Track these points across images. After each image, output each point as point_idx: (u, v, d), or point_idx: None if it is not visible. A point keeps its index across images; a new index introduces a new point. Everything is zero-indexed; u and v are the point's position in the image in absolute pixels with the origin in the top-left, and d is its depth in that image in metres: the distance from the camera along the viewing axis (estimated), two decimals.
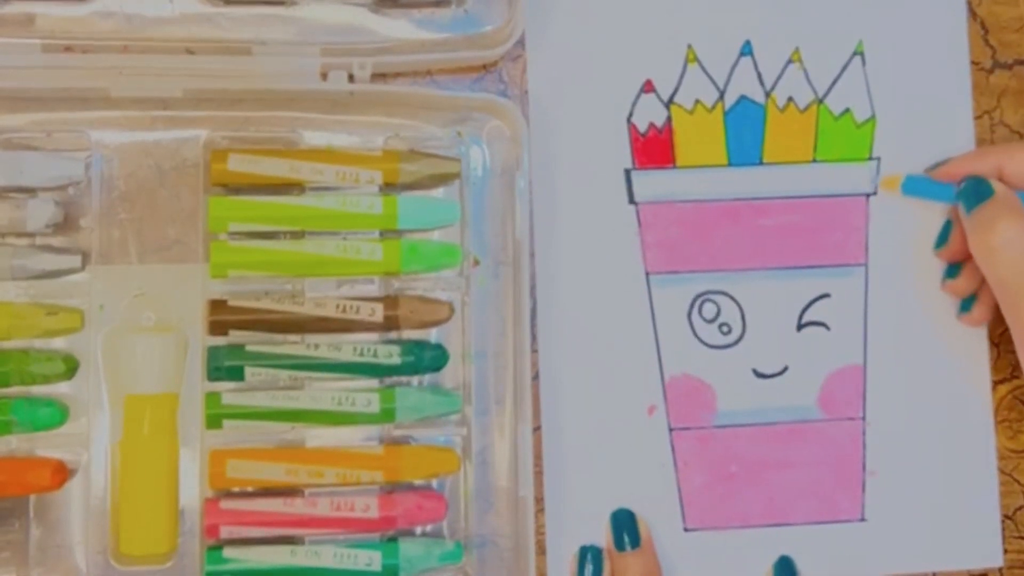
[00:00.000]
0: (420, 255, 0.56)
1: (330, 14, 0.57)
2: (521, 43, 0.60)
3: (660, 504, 0.59)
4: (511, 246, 0.57)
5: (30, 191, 0.55)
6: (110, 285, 0.55)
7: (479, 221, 0.58)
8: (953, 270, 0.59)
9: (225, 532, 0.54)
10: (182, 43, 0.57)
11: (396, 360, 0.56)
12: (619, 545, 0.57)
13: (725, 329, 0.60)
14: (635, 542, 0.57)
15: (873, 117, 0.61)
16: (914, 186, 0.60)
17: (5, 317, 0.54)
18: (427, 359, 0.56)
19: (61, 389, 0.55)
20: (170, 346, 0.55)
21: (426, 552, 0.55)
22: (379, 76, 0.57)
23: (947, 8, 0.62)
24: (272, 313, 0.55)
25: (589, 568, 0.57)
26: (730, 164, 0.60)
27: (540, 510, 0.58)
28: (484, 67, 0.59)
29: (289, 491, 0.55)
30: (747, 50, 0.61)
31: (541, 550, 0.57)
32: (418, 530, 0.56)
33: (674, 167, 0.60)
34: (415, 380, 0.57)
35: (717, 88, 0.60)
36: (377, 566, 0.54)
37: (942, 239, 0.60)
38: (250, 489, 0.55)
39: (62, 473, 0.54)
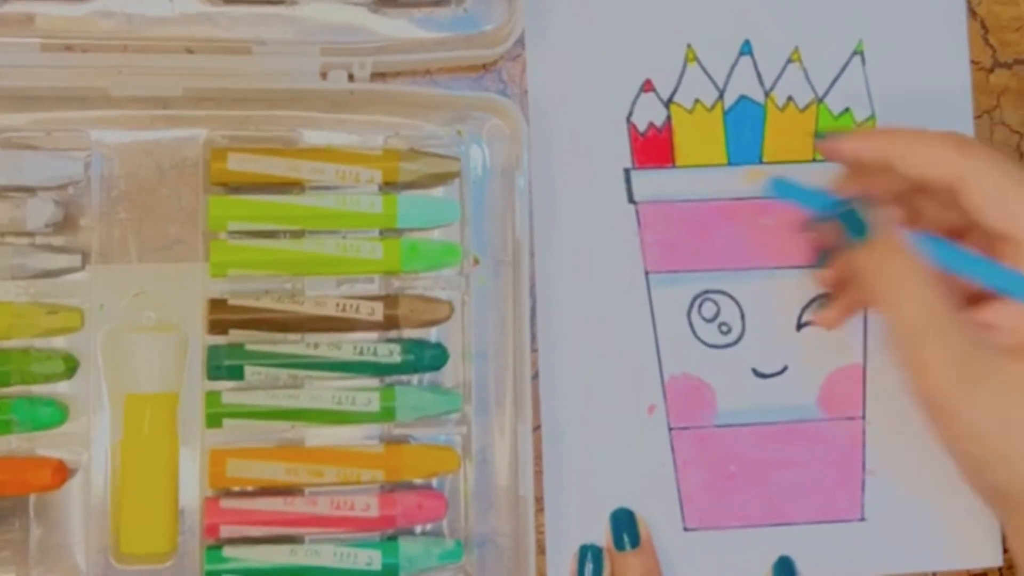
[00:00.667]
0: (420, 254, 0.56)
1: (330, 13, 0.57)
2: (521, 42, 0.60)
3: (659, 503, 0.59)
4: (511, 245, 0.57)
5: (30, 190, 0.55)
6: (110, 284, 0.55)
7: (479, 220, 0.58)
8: (824, 259, 0.56)
9: (225, 531, 0.54)
10: (182, 43, 0.57)
11: (396, 359, 0.56)
12: (619, 545, 0.57)
13: (725, 328, 0.60)
14: (635, 542, 0.57)
15: (873, 116, 0.61)
16: (780, 189, 0.55)
17: (5, 316, 0.54)
18: (427, 358, 0.56)
19: (61, 388, 0.55)
20: (170, 345, 0.55)
21: (426, 551, 0.55)
22: (379, 75, 0.57)
23: (947, 8, 0.62)
24: (272, 312, 0.55)
25: (589, 567, 0.57)
26: (730, 164, 0.60)
27: (540, 509, 0.57)
28: (484, 67, 0.59)
29: (289, 490, 0.55)
30: (747, 50, 0.61)
31: (540, 549, 0.57)
32: (418, 529, 0.56)
33: (673, 166, 0.60)
34: (415, 379, 0.57)
35: (717, 88, 0.60)
36: (377, 565, 0.54)
37: (821, 262, 0.56)
38: (250, 488, 0.55)
39: (62, 473, 0.54)
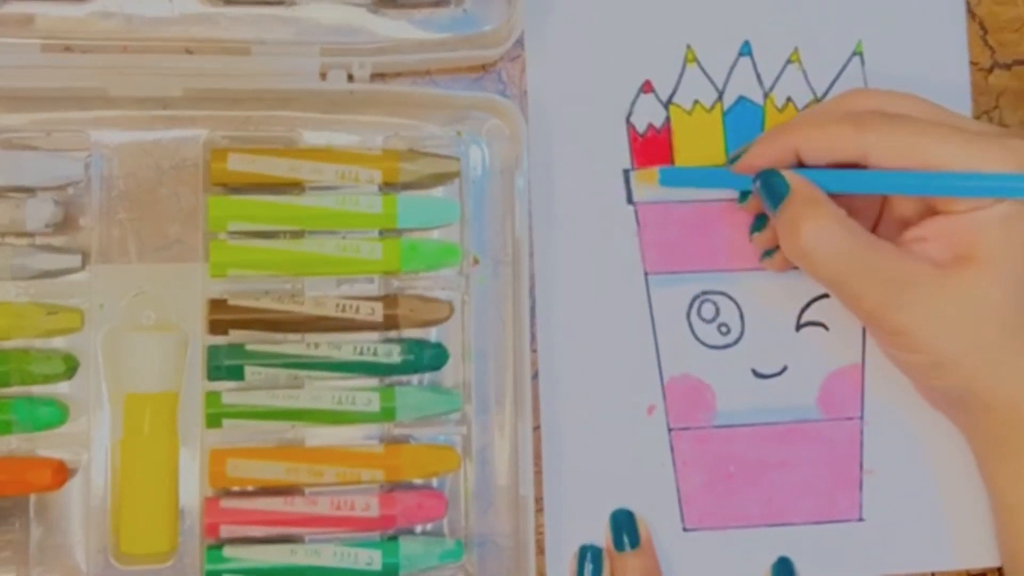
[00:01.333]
0: (420, 254, 0.56)
1: (329, 14, 0.57)
2: (520, 43, 0.60)
3: (659, 504, 0.59)
4: (510, 245, 0.57)
5: (30, 191, 0.55)
6: (110, 284, 0.55)
7: (478, 220, 0.58)
8: (760, 223, 0.58)
9: (225, 531, 0.54)
10: (181, 43, 0.57)
11: (396, 359, 0.56)
12: (619, 545, 0.57)
13: (724, 329, 0.60)
14: (635, 542, 0.57)
15: None
16: (672, 177, 0.58)
17: (5, 317, 0.54)
18: (427, 358, 0.56)
19: (61, 389, 0.55)
20: (170, 345, 0.55)
21: (426, 551, 0.55)
22: (378, 76, 0.57)
23: (946, 8, 0.62)
24: (272, 312, 0.55)
25: (589, 568, 0.57)
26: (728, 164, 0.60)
27: (539, 509, 0.58)
28: (483, 67, 0.60)
29: (289, 490, 0.55)
30: (746, 50, 0.61)
31: (540, 549, 0.57)
32: (418, 529, 0.56)
33: (673, 167, 0.60)
34: (415, 379, 0.57)
35: (716, 88, 0.60)
36: (377, 565, 0.54)
37: (757, 226, 0.58)
38: (250, 488, 0.55)
39: (62, 473, 0.54)
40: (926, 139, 0.52)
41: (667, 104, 0.60)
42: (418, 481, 0.56)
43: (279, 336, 0.56)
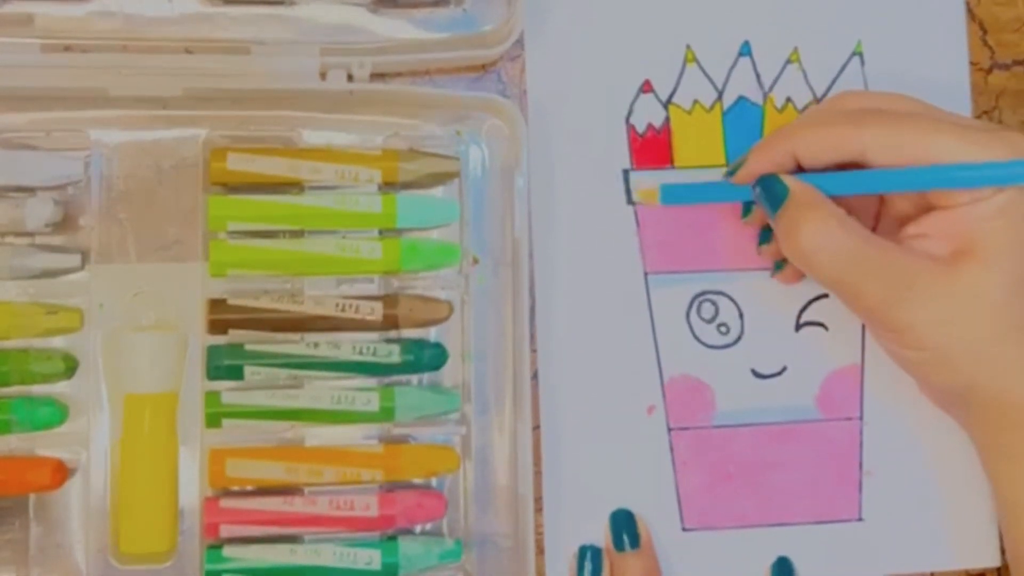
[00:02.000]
0: (419, 254, 0.56)
1: (329, 14, 0.57)
2: (520, 43, 0.60)
3: (658, 504, 0.59)
4: (510, 245, 0.57)
5: (29, 190, 0.55)
6: (110, 284, 0.55)
7: (478, 220, 0.58)
8: (767, 235, 0.58)
9: (225, 531, 0.54)
10: (181, 43, 0.57)
11: (395, 359, 0.56)
12: (618, 545, 0.57)
13: (724, 329, 0.60)
14: (634, 542, 0.57)
15: None
16: (674, 194, 0.57)
17: (5, 316, 0.54)
18: (426, 358, 0.56)
19: (61, 388, 0.55)
20: (170, 345, 0.55)
21: (426, 550, 0.55)
22: (378, 75, 0.57)
23: (946, 9, 0.62)
24: (271, 312, 0.55)
25: (588, 568, 0.57)
26: (728, 164, 0.60)
27: (538, 509, 0.58)
28: (483, 67, 0.60)
29: (289, 490, 0.55)
30: (746, 50, 0.61)
31: (540, 550, 0.57)
32: (418, 528, 0.56)
33: (672, 167, 0.60)
34: (414, 379, 0.57)
35: (715, 88, 0.60)
36: (377, 565, 0.54)
37: (764, 238, 0.58)
38: (250, 488, 0.55)
39: (62, 472, 0.54)
40: (923, 133, 0.52)
41: (667, 104, 0.60)
42: (417, 481, 0.56)
43: (279, 336, 0.56)
